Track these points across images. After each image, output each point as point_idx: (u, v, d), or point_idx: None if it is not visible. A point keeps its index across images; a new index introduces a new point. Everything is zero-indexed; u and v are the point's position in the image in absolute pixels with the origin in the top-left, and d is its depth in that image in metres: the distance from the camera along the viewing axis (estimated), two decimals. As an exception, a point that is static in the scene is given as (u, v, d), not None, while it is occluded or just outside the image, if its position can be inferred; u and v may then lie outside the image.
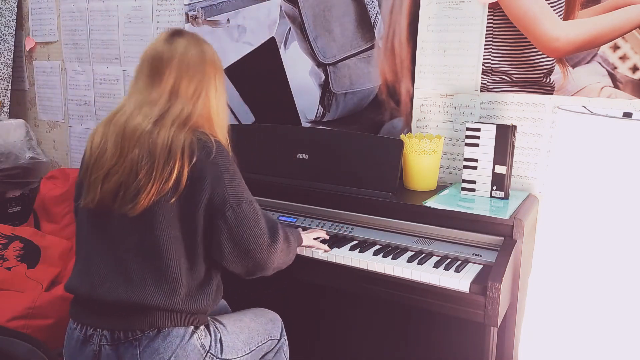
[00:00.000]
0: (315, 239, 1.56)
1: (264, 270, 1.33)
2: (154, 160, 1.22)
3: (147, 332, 1.22)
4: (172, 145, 1.22)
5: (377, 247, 1.56)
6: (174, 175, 1.21)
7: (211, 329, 1.32)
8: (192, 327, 1.27)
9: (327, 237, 1.59)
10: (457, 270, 1.39)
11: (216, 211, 1.25)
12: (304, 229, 1.64)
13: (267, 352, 1.47)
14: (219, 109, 1.36)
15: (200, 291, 1.28)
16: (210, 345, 1.29)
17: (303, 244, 1.51)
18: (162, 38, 1.35)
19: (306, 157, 1.79)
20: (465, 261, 1.45)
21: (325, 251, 1.53)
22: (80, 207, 1.32)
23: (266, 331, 1.45)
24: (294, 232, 1.46)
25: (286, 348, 1.54)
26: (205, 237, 1.27)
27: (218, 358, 1.30)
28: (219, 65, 1.40)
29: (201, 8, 2.34)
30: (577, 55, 1.66)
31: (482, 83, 1.81)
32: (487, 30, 1.78)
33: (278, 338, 1.50)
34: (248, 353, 1.38)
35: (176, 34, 1.36)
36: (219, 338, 1.32)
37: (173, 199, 1.22)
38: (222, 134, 1.35)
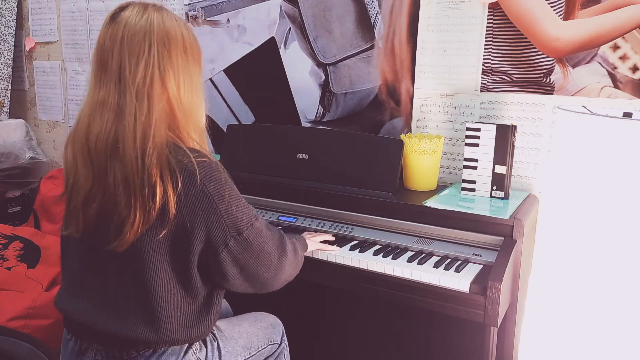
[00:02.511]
0: (321, 242, 1.54)
1: (273, 287, 1.25)
2: (129, 183, 1.03)
3: (142, 352, 1.17)
4: (143, 161, 1.02)
5: (377, 247, 1.56)
6: (157, 199, 1.01)
7: (207, 340, 1.27)
8: (187, 344, 1.21)
9: (333, 239, 1.58)
10: (457, 270, 1.39)
11: (217, 246, 1.10)
12: (309, 230, 1.64)
13: (268, 357, 1.45)
14: (184, 100, 1.08)
15: (199, 320, 1.18)
16: (207, 356, 1.25)
17: (309, 249, 1.48)
18: (105, 20, 1.08)
19: (306, 157, 1.79)
20: (466, 261, 1.45)
21: (334, 248, 1.51)
22: (64, 236, 1.20)
23: (266, 336, 1.43)
24: (300, 240, 1.41)
25: (287, 352, 1.52)
26: (201, 269, 1.14)
27: None
28: (178, 38, 1.07)
29: (201, 8, 2.34)
30: (577, 55, 1.66)
31: (482, 83, 1.81)
32: (487, 30, 1.78)
33: (278, 343, 1.47)
34: (247, 358, 1.36)
35: (120, 9, 1.08)
36: (215, 346, 1.28)
37: (162, 234, 1.05)
38: (197, 136, 1.11)
